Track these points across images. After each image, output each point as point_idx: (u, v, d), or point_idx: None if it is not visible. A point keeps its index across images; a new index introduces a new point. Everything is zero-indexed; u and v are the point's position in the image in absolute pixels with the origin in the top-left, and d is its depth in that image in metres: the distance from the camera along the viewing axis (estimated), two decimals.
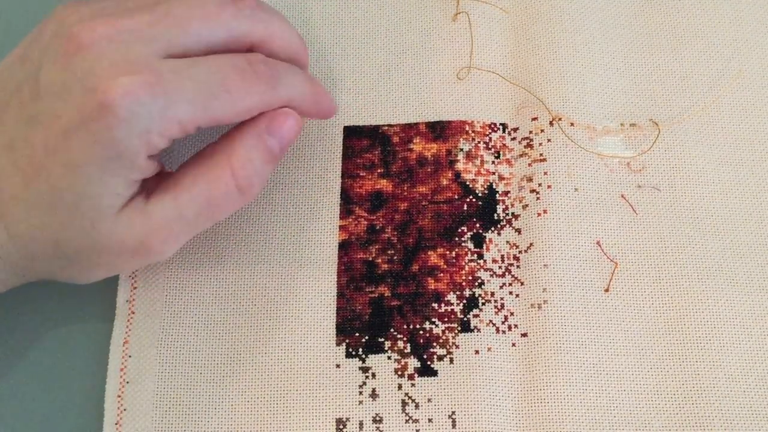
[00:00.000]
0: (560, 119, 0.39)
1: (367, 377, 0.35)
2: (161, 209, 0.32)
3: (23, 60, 0.32)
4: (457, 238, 0.38)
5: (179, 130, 0.31)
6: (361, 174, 0.39)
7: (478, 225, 0.38)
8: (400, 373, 0.36)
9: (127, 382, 0.36)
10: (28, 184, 0.30)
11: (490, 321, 0.36)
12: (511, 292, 0.37)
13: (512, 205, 0.38)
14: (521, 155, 0.39)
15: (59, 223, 0.31)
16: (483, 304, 0.37)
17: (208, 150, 0.34)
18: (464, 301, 0.37)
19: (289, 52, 0.35)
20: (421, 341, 0.36)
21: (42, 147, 0.30)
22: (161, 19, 0.31)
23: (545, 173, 0.38)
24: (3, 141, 0.31)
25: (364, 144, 0.40)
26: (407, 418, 0.35)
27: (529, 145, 0.39)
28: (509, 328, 0.36)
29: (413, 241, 0.38)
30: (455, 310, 0.36)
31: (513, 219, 0.38)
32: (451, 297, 0.37)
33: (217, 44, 0.32)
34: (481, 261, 0.37)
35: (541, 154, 0.39)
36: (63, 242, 0.31)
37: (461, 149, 0.39)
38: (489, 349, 0.36)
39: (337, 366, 0.36)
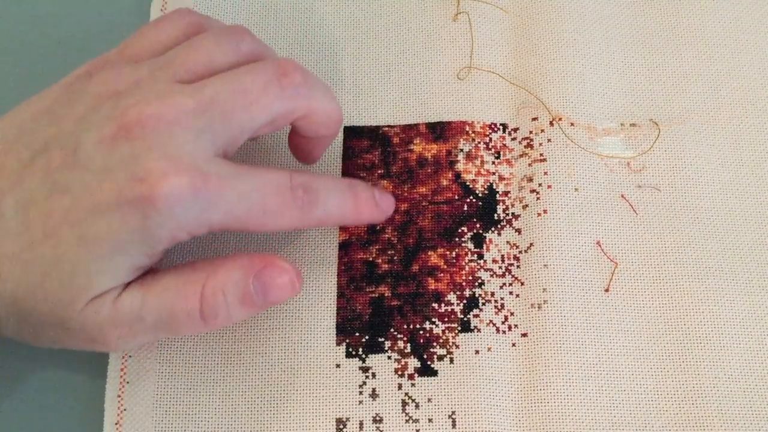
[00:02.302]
0: (560, 119, 0.39)
1: (367, 377, 0.35)
2: (128, 305, 0.31)
3: (53, 119, 0.32)
4: (457, 239, 0.38)
5: (206, 231, 0.31)
6: (362, 174, 0.39)
7: (478, 225, 0.38)
8: (400, 372, 0.36)
9: (127, 382, 0.36)
10: (34, 246, 0.30)
11: (491, 321, 0.36)
12: (511, 292, 0.37)
13: (512, 205, 0.38)
14: (521, 155, 0.39)
15: (43, 291, 0.30)
16: (483, 304, 0.37)
17: (197, 264, 0.33)
18: (464, 301, 0.37)
19: (328, 124, 0.35)
20: (421, 341, 0.36)
21: (62, 214, 0.30)
22: (207, 109, 0.31)
23: (545, 173, 0.38)
24: (21, 198, 0.30)
25: (365, 144, 0.40)
26: (407, 418, 0.35)
27: (530, 145, 0.39)
28: (509, 328, 0.36)
29: (413, 241, 0.38)
30: (455, 310, 0.36)
31: (513, 219, 0.38)
32: (451, 297, 0.37)
33: (261, 126, 0.32)
34: (481, 261, 0.37)
35: (541, 154, 0.39)
36: (35, 312, 0.30)
37: (461, 150, 0.39)
38: (489, 349, 0.36)
39: (337, 366, 0.36)
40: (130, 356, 0.36)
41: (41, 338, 0.32)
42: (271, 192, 0.32)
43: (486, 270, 0.37)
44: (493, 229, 0.38)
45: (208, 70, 0.32)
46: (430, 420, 0.35)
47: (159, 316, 0.31)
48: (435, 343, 0.36)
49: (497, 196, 0.39)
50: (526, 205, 0.38)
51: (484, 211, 0.38)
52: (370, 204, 0.36)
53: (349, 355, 0.36)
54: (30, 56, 0.43)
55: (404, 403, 0.35)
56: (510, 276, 0.37)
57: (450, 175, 0.39)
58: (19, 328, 0.31)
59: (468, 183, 0.39)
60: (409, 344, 0.36)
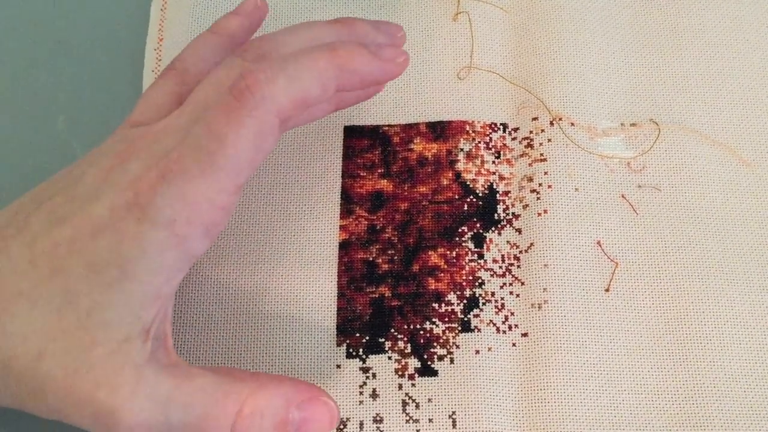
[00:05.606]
0: (560, 119, 0.39)
1: (367, 377, 0.35)
2: (153, 387, 0.28)
3: (70, 171, 0.31)
4: (457, 238, 0.38)
5: (210, 208, 0.29)
6: (362, 174, 0.39)
7: (478, 225, 0.38)
8: (400, 373, 0.36)
9: None
10: (42, 282, 0.28)
11: (491, 321, 0.36)
12: (511, 292, 0.37)
13: (513, 205, 0.38)
14: (522, 155, 0.39)
15: (59, 331, 0.28)
16: (483, 304, 0.37)
17: (238, 374, 0.30)
18: (465, 301, 0.37)
19: (326, 89, 0.31)
20: (422, 341, 0.36)
21: (66, 246, 0.28)
22: (192, 111, 0.31)
23: (546, 173, 0.38)
24: (25, 239, 0.29)
25: (365, 144, 0.40)
26: (407, 418, 0.35)
27: (530, 145, 0.39)
28: (510, 328, 0.36)
29: (414, 241, 0.38)
30: (456, 310, 0.36)
31: (513, 219, 0.38)
32: (452, 297, 0.37)
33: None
34: (482, 261, 0.37)
35: (541, 154, 0.39)
36: (44, 356, 0.28)
37: (462, 149, 0.39)
38: (489, 349, 0.36)
39: (338, 366, 0.36)
40: None
41: (35, 402, 0.29)
42: (215, 106, 0.30)
43: (486, 270, 0.37)
44: (493, 228, 0.38)
45: None
46: (430, 420, 0.35)
47: (187, 419, 0.28)
48: (435, 343, 0.36)
49: (497, 195, 0.39)
50: (527, 205, 0.38)
51: (485, 211, 0.38)
52: (365, 57, 0.31)
53: (349, 355, 0.36)
54: (30, 57, 0.43)
55: (404, 404, 0.35)
56: (510, 276, 0.37)
57: (450, 175, 0.39)
58: (19, 390, 0.29)
59: (468, 182, 0.39)
60: (409, 344, 0.36)
